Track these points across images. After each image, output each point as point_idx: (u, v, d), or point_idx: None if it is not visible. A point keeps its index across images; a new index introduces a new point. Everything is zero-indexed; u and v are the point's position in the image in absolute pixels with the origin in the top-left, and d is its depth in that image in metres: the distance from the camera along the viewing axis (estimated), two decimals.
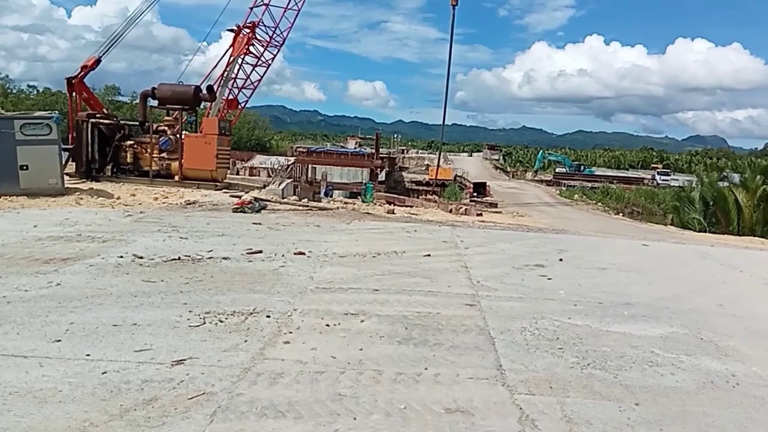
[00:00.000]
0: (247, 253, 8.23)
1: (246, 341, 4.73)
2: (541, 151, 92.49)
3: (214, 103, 22.05)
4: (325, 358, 4.45)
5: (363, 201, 24.80)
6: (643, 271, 8.92)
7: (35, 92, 70.94)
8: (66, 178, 16.04)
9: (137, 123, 20.05)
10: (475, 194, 42.93)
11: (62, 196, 14.45)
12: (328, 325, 5.22)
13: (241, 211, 13.15)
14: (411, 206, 22.40)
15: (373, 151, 57.65)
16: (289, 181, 22.11)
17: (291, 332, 5.01)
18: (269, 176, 29.86)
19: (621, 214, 38.77)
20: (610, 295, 6.98)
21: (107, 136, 18.78)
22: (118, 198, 15.21)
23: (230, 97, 24.39)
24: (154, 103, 19.57)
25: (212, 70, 24.01)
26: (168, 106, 19.20)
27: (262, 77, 24.98)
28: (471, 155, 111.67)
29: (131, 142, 19.04)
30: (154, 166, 18.68)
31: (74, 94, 19.80)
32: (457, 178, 56.65)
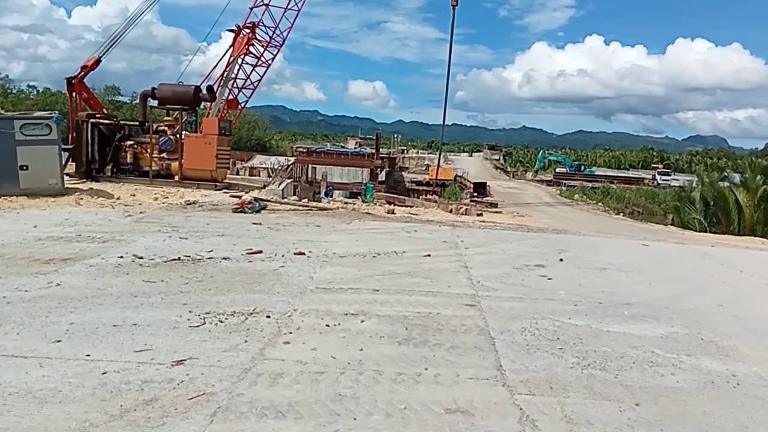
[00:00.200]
0: (247, 254, 8.22)
1: (246, 341, 4.73)
2: (541, 151, 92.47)
3: (214, 103, 22.05)
4: (325, 359, 4.44)
5: (363, 201, 24.80)
6: (643, 271, 8.92)
7: (35, 92, 71.05)
8: (66, 178, 16.04)
9: (137, 123, 20.06)
10: (475, 194, 42.93)
11: (62, 196, 14.45)
12: (328, 326, 5.22)
13: (241, 211, 13.15)
14: (411, 206, 22.39)
15: (373, 151, 57.63)
16: (289, 181, 22.12)
17: (291, 332, 5.00)
18: (269, 176, 29.87)
19: (621, 214, 38.75)
20: (610, 295, 6.97)
21: (107, 136, 18.78)
22: (118, 198, 15.21)
23: (230, 97, 24.39)
24: (154, 103, 19.57)
25: (212, 70, 24.04)
26: (168, 106, 19.20)
27: (262, 77, 24.99)
28: (471, 155, 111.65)
29: (131, 142, 19.04)
30: (154, 166, 18.68)
31: (74, 94, 19.81)
32: (457, 178, 56.64)
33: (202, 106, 21.68)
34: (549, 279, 7.65)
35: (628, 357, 4.88)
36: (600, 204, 43.82)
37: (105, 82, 67.84)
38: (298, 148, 65.77)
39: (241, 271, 7.17)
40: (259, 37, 24.19)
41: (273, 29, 24.37)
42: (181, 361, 4.27)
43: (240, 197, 15.05)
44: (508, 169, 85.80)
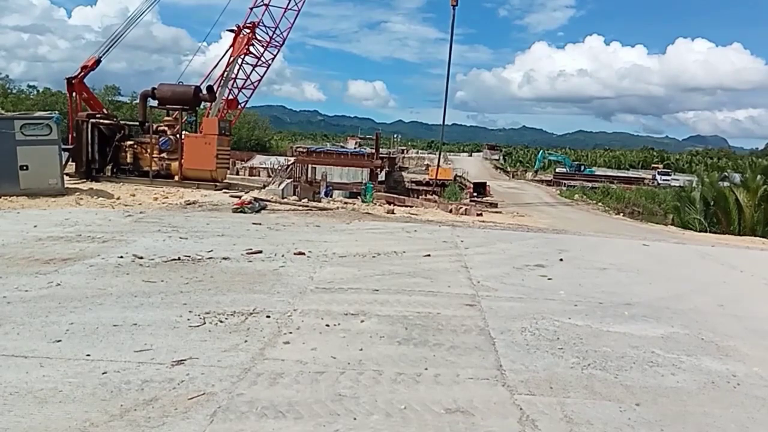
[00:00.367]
0: (247, 254, 8.22)
1: (246, 341, 4.73)
2: (541, 151, 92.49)
3: (214, 104, 22.06)
4: (325, 359, 4.44)
5: (363, 201, 24.80)
6: (643, 271, 8.92)
7: (35, 92, 71.07)
8: (66, 178, 16.04)
9: (137, 123, 20.06)
10: (475, 194, 42.95)
11: (62, 196, 14.45)
12: (328, 326, 5.22)
13: (241, 212, 13.15)
14: (411, 206, 22.39)
15: (373, 151, 57.64)
16: (289, 181, 22.11)
17: (291, 332, 5.00)
18: (269, 176, 29.88)
19: (621, 214, 38.77)
20: (610, 295, 6.97)
21: (107, 136, 18.78)
22: (118, 198, 15.21)
23: (230, 97, 24.40)
24: (154, 103, 19.57)
25: (212, 70, 24.07)
26: (168, 106, 19.19)
27: (262, 77, 25.02)
28: (471, 155, 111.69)
29: (131, 143, 19.04)
30: (154, 166, 18.68)
31: (74, 94, 19.81)
32: (457, 178, 56.66)
33: (202, 106, 21.69)
34: (549, 279, 7.65)
35: (628, 357, 4.88)
36: (600, 204, 43.84)
37: (105, 82, 67.95)
38: (297, 148, 65.77)
39: (241, 271, 7.17)
40: (259, 37, 24.22)
41: (273, 29, 24.41)
42: (181, 361, 4.27)
43: (240, 197, 15.05)
44: (508, 169, 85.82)
